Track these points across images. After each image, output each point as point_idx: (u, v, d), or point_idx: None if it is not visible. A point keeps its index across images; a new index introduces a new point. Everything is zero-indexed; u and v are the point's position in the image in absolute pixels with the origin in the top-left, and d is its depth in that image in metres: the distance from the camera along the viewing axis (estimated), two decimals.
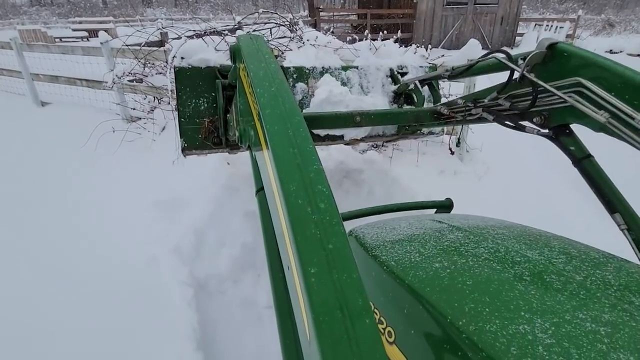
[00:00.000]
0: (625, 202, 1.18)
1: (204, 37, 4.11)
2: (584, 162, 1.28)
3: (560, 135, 1.35)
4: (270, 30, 4.37)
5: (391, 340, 0.91)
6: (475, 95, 1.73)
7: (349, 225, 1.46)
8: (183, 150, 2.16)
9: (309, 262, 0.55)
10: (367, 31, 4.77)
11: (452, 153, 2.29)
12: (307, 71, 2.32)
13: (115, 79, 4.78)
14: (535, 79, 1.28)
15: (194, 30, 4.39)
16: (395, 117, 2.01)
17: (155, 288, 2.40)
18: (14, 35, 6.33)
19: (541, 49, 1.29)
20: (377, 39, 4.22)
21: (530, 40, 14.82)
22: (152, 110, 4.94)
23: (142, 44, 4.72)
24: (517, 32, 16.18)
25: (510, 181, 3.71)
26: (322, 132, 2.24)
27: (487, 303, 0.75)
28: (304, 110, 2.22)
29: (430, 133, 2.51)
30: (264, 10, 4.44)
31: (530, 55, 1.31)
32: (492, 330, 0.68)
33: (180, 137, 2.14)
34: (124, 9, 36.25)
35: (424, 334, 0.82)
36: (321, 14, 15.90)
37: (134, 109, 5.23)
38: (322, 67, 2.33)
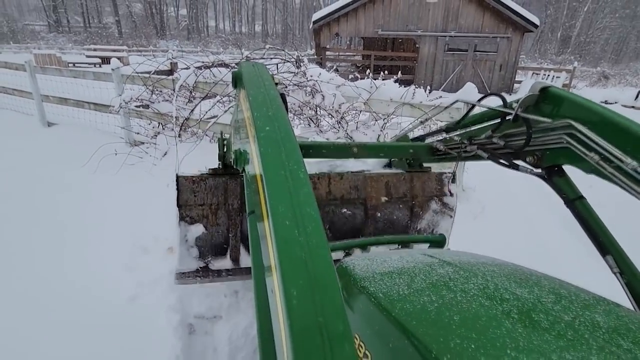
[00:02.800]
0: (617, 244, 1.17)
1: (211, 69, 4.27)
2: (575, 202, 1.28)
3: (553, 176, 1.36)
4: (277, 65, 4.54)
5: None
6: (471, 133, 1.77)
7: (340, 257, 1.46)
8: (177, 179, 2.00)
9: (291, 284, 0.54)
10: (368, 70, 4.95)
11: (452, 195, 2.28)
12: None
13: (122, 104, 4.90)
14: (532, 117, 1.32)
15: (203, 62, 4.56)
16: (393, 151, 2.03)
17: (141, 315, 2.34)
18: (29, 58, 6.57)
19: (534, 92, 1.34)
20: (378, 79, 4.37)
21: (527, 87, 15.35)
22: (156, 136, 5.03)
23: (152, 72, 4.88)
24: (515, 79, 16.76)
25: (505, 221, 3.70)
26: (323, 168, 2.25)
27: (473, 339, 0.74)
28: (300, 139, 2.25)
29: (441, 173, 2.48)
30: (271, 46, 4.63)
31: (523, 98, 1.36)
32: None
33: (178, 167, 2.10)
34: (138, 39, 37.74)
35: None
36: (327, 53, 16.56)
37: (138, 133, 5.32)
38: None
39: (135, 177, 4.32)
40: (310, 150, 1.79)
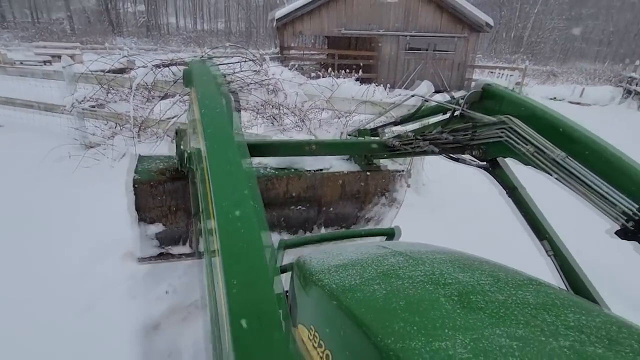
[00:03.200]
0: (552, 230, 1.28)
1: (170, 67, 4.17)
2: (515, 192, 1.40)
3: (495, 168, 1.48)
4: (241, 64, 4.50)
5: None
6: (423, 129, 1.87)
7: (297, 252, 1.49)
8: (135, 184, 1.92)
9: (232, 274, 0.57)
10: (330, 69, 5.01)
11: (409, 186, 2.40)
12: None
13: (75, 104, 4.68)
14: (473, 114, 1.41)
15: (161, 60, 4.44)
16: (348, 147, 2.10)
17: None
18: None
19: (477, 89, 1.45)
20: (341, 77, 4.44)
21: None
22: (113, 137, 4.84)
23: (106, 70, 4.69)
24: (473, 77, 17.50)
25: (462, 213, 3.87)
26: (282, 164, 2.28)
27: (415, 322, 0.79)
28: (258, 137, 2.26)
29: (396, 171, 2.59)
30: (231, 44, 4.59)
31: (468, 94, 1.46)
32: (417, 347, 0.72)
33: (135, 173, 1.95)
34: (92, 36, 35.81)
35: (357, 353, 0.84)
36: (291, 51, 16.53)
37: (93, 134, 5.10)
38: None
39: (92, 181, 4.14)
40: (267, 148, 1.81)
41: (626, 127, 9.82)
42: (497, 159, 1.46)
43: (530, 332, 0.73)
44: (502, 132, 1.30)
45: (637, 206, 0.94)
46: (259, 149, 1.76)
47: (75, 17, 43.61)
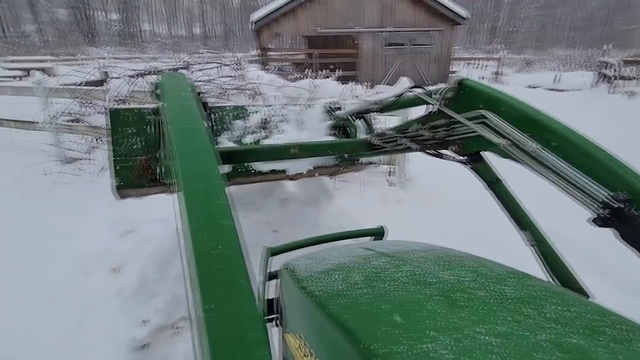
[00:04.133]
0: (534, 220, 1.29)
1: (144, 77, 4.10)
2: (495, 185, 1.41)
3: (474, 162, 1.49)
4: (218, 69, 4.45)
5: None
6: (403, 126, 1.87)
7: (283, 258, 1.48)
8: (118, 189, 2.07)
9: (207, 298, 0.57)
10: (307, 70, 5.02)
11: (390, 184, 2.44)
12: (246, 109, 2.45)
13: (48, 119, 4.56)
14: (447, 111, 1.42)
15: (135, 70, 4.36)
16: (331, 148, 2.10)
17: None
18: None
19: (453, 85, 1.45)
20: (327, 77, 4.43)
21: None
22: (91, 151, 4.74)
23: (79, 84, 4.58)
24: (451, 69, 17.69)
25: (449, 207, 3.88)
26: (265, 167, 2.29)
27: (398, 325, 0.78)
28: (238, 144, 2.31)
29: (370, 163, 2.62)
30: (205, 51, 4.53)
31: (444, 90, 1.47)
32: (400, 351, 0.71)
33: (115, 177, 2.07)
34: (65, 48, 34.92)
35: None
36: (270, 53, 16.45)
37: (70, 149, 4.98)
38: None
39: (72, 196, 4.05)
40: (252, 154, 1.81)
41: (609, 109, 9.85)
42: (477, 152, 1.47)
43: (510, 327, 0.74)
44: (478, 127, 1.32)
45: (611, 193, 0.94)
46: (244, 155, 1.77)
47: (45, 29, 42.45)
